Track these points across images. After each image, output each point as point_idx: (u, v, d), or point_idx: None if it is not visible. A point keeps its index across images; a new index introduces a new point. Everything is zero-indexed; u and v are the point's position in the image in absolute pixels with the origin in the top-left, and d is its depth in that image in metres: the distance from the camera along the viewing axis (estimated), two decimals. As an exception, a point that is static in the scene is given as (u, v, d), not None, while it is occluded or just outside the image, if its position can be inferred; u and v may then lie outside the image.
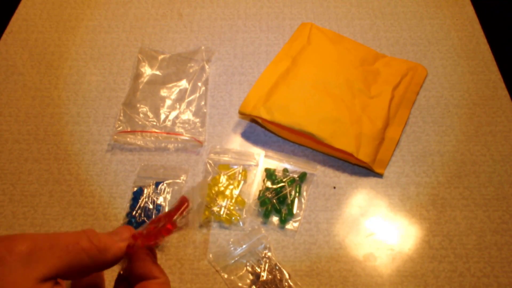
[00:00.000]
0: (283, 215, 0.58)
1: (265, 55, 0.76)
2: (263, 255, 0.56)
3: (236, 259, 0.55)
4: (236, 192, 0.60)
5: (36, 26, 0.81)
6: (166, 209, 0.60)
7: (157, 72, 0.73)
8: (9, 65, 0.76)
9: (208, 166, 0.63)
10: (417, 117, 0.68)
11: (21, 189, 0.62)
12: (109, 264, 0.31)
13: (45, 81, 0.74)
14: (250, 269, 0.55)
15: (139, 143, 0.65)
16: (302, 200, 0.60)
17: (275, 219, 0.59)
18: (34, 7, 0.84)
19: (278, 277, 0.54)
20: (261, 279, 0.54)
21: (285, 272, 0.54)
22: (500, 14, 0.93)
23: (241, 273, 0.55)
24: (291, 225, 0.58)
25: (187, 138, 0.65)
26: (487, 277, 0.55)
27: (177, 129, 0.66)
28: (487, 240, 0.57)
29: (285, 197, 0.60)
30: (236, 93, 0.72)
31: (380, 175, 0.63)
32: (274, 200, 0.59)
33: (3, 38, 0.79)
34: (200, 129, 0.66)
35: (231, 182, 0.61)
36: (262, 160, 0.64)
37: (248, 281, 0.54)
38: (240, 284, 0.54)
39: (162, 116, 0.67)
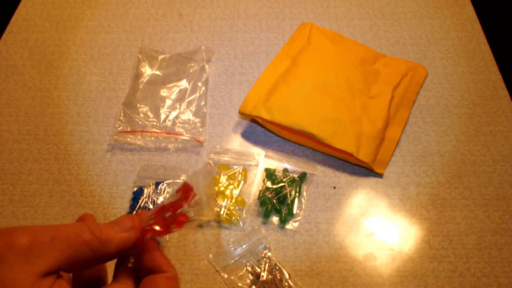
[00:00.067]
0: (283, 215, 0.58)
1: (265, 55, 0.76)
2: (263, 255, 0.56)
3: (236, 259, 0.55)
4: (236, 192, 0.60)
5: (36, 26, 0.81)
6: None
7: (157, 72, 0.73)
8: (9, 65, 0.76)
9: (208, 166, 0.63)
10: (417, 117, 0.68)
11: (21, 189, 0.62)
12: (112, 256, 0.31)
13: (45, 81, 0.74)
14: (250, 269, 0.55)
15: (139, 143, 0.65)
16: (302, 200, 0.60)
17: (275, 219, 0.59)
18: (34, 7, 0.84)
19: (278, 277, 0.54)
20: (261, 279, 0.54)
21: (285, 272, 0.54)
22: (500, 14, 0.93)
23: (241, 273, 0.55)
24: (291, 225, 0.58)
25: (187, 138, 0.65)
26: (487, 277, 0.55)
27: (177, 129, 0.66)
28: (487, 240, 0.57)
29: (285, 197, 0.60)
30: (236, 93, 0.72)
31: (380, 175, 0.63)
32: (274, 200, 0.59)
33: (3, 38, 0.79)
34: (200, 129, 0.66)
35: (231, 182, 0.61)
36: (262, 160, 0.64)
37: (248, 281, 0.54)
38: (240, 284, 0.54)
39: (162, 116, 0.67)
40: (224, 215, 0.58)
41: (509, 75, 0.73)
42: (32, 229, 0.27)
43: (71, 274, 0.34)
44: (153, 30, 0.80)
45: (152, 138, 0.65)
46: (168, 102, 0.69)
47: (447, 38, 0.78)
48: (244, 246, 0.56)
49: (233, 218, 0.58)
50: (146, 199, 0.60)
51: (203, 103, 0.70)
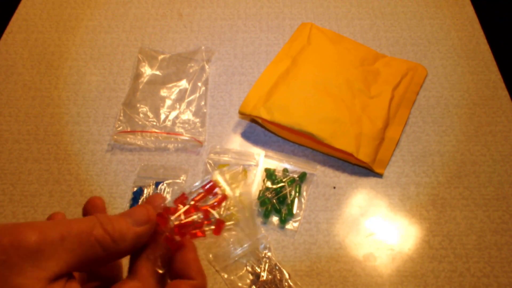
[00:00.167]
0: (283, 215, 0.58)
1: (265, 55, 0.76)
2: (263, 255, 0.56)
3: (236, 259, 0.55)
4: (237, 192, 0.60)
5: (36, 26, 0.81)
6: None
7: (157, 72, 0.73)
8: (9, 65, 0.76)
9: (208, 166, 0.63)
10: (417, 117, 0.68)
11: (21, 189, 0.62)
12: (125, 254, 0.28)
13: (45, 81, 0.74)
14: (250, 269, 0.55)
15: (139, 143, 0.65)
16: (302, 200, 0.60)
17: (275, 219, 0.59)
18: (34, 7, 0.84)
19: (278, 277, 0.54)
20: (261, 279, 0.54)
21: (285, 272, 0.54)
22: (500, 14, 0.93)
23: (241, 273, 0.55)
24: (291, 225, 0.58)
25: (187, 138, 0.65)
26: (487, 277, 0.55)
27: (177, 129, 0.66)
28: (487, 240, 0.57)
29: (285, 197, 0.60)
30: (236, 93, 0.72)
31: (380, 175, 0.63)
32: (274, 200, 0.59)
33: (3, 38, 0.79)
34: (200, 129, 0.66)
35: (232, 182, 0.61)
36: (262, 160, 0.64)
37: (248, 281, 0.54)
38: (240, 284, 0.54)
39: (162, 116, 0.67)
40: (224, 215, 0.58)
41: (509, 75, 0.73)
42: (40, 226, 0.24)
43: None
44: (153, 30, 0.80)
45: (152, 138, 0.65)
46: (168, 102, 0.69)
47: (447, 38, 0.78)
48: (244, 246, 0.56)
49: (233, 218, 0.58)
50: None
51: (203, 103, 0.70)
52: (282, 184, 0.60)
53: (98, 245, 0.26)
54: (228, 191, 0.32)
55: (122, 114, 0.67)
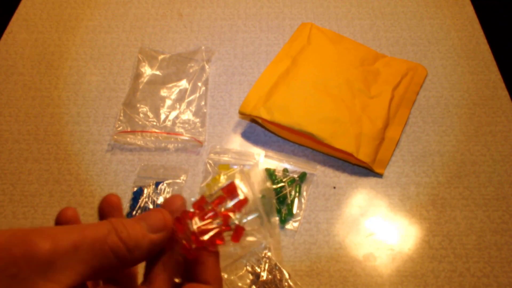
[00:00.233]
0: (283, 215, 0.58)
1: (265, 55, 0.76)
2: (263, 255, 0.56)
3: (236, 259, 0.55)
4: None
5: (36, 26, 0.81)
6: None
7: (157, 72, 0.73)
8: (9, 65, 0.76)
9: (208, 166, 0.63)
10: (417, 117, 0.68)
11: (21, 189, 0.62)
12: (138, 262, 0.26)
13: (45, 81, 0.74)
14: (250, 269, 0.55)
15: (139, 143, 0.65)
16: (302, 200, 0.60)
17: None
18: (34, 7, 0.84)
19: (278, 277, 0.54)
20: (261, 279, 0.54)
21: (285, 272, 0.54)
22: (500, 14, 0.93)
23: (241, 273, 0.55)
24: (291, 225, 0.58)
25: (187, 138, 0.65)
26: (487, 277, 0.55)
27: (177, 129, 0.66)
28: (487, 240, 0.57)
29: (285, 197, 0.60)
30: (236, 93, 0.72)
31: (380, 175, 0.63)
32: (274, 200, 0.59)
33: (3, 38, 0.79)
34: (200, 129, 0.66)
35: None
36: (262, 160, 0.64)
37: (248, 281, 0.54)
38: (240, 284, 0.54)
39: (162, 116, 0.67)
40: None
41: (509, 75, 0.73)
42: (52, 234, 0.23)
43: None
44: (153, 30, 0.80)
45: (152, 138, 0.65)
46: (168, 102, 0.69)
47: (447, 38, 0.78)
48: (244, 246, 0.56)
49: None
50: (146, 199, 0.60)
51: (203, 103, 0.70)
52: (282, 184, 0.60)
53: (112, 254, 0.24)
54: (249, 193, 0.30)
55: (122, 114, 0.67)
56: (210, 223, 0.28)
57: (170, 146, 0.65)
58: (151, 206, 0.59)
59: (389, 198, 0.61)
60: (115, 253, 0.24)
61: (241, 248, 0.29)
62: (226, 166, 0.63)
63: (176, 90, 0.71)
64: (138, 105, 0.68)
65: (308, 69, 0.68)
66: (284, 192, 0.60)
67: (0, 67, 0.75)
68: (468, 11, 0.82)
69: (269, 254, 0.56)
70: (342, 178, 0.63)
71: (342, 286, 0.54)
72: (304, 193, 0.61)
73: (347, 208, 0.60)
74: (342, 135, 0.61)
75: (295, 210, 0.59)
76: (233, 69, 0.75)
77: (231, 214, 0.29)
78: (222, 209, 0.29)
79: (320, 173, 0.63)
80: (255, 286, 0.53)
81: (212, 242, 0.28)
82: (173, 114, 0.68)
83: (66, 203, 0.61)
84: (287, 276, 0.54)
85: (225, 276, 0.54)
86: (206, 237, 0.28)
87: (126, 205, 0.60)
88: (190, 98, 0.70)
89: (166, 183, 0.62)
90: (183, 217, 0.28)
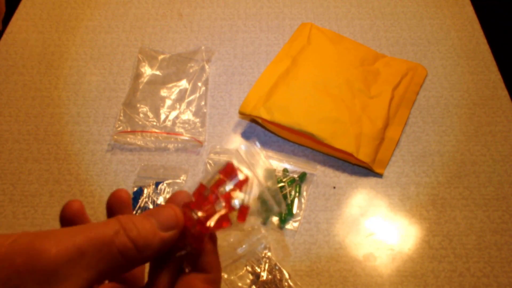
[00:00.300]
0: (283, 215, 0.58)
1: (265, 55, 0.76)
2: (263, 255, 0.56)
3: (236, 259, 0.55)
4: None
5: (36, 26, 0.81)
6: None
7: (157, 72, 0.73)
8: (9, 65, 0.76)
9: (208, 166, 0.63)
10: (417, 117, 0.68)
11: (21, 189, 0.62)
12: (147, 261, 0.25)
13: (45, 81, 0.74)
14: (250, 269, 0.55)
15: (139, 143, 0.65)
16: (302, 200, 0.60)
17: (275, 219, 0.59)
18: (34, 7, 0.84)
19: (278, 277, 0.54)
20: (261, 279, 0.54)
21: (285, 272, 0.54)
22: (500, 14, 0.93)
23: (241, 273, 0.55)
24: (291, 225, 0.58)
25: (187, 138, 0.65)
26: (487, 277, 0.55)
27: (177, 129, 0.66)
28: (487, 240, 0.57)
29: (285, 197, 0.60)
30: (236, 93, 0.72)
31: (380, 175, 0.63)
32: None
33: (3, 38, 0.79)
34: (200, 129, 0.66)
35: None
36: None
37: (248, 281, 0.54)
38: (240, 284, 0.54)
39: (162, 116, 0.67)
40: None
41: (509, 75, 0.73)
42: (56, 240, 0.21)
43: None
44: (153, 30, 0.80)
45: (152, 138, 0.65)
46: (168, 102, 0.69)
47: (447, 38, 0.78)
48: (244, 246, 0.56)
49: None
50: (146, 199, 0.60)
51: (203, 103, 0.70)
52: (282, 184, 0.60)
53: (121, 256, 0.23)
54: (248, 172, 0.28)
55: (122, 114, 0.67)
56: (213, 207, 0.27)
57: (170, 146, 0.65)
58: (151, 206, 0.59)
59: (389, 198, 0.61)
60: (123, 254, 0.23)
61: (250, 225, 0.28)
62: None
63: (176, 90, 0.71)
64: (138, 105, 0.68)
65: (308, 69, 0.68)
66: (284, 192, 0.60)
67: (0, 67, 0.75)
68: (468, 11, 0.82)
69: (269, 254, 0.56)
70: (342, 178, 0.63)
71: (342, 286, 0.54)
72: (304, 193, 0.61)
73: (347, 208, 0.60)
74: (342, 135, 0.61)
75: (295, 210, 0.59)
76: (233, 69, 0.75)
77: (233, 195, 0.28)
78: (224, 192, 0.28)
79: (320, 173, 0.63)
80: (255, 286, 0.53)
81: (219, 226, 0.27)
82: (173, 114, 0.68)
83: (66, 203, 0.61)
84: (287, 276, 0.54)
85: (225, 276, 0.54)
86: (212, 222, 0.27)
87: (126, 205, 0.60)
88: (190, 98, 0.70)
89: (166, 183, 0.62)
90: (185, 208, 0.27)
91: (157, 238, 0.24)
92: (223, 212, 0.27)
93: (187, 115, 0.68)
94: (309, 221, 0.59)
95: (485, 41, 0.77)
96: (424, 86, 0.72)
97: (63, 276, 0.21)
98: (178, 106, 0.69)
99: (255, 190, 0.28)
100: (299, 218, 0.59)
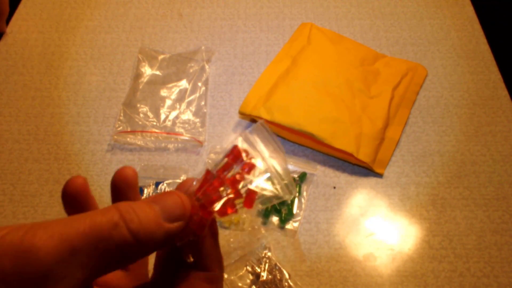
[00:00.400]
0: (283, 215, 0.58)
1: (265, 55, 0.76)
2: (263, 255, 0.56)
3: (236, 259, 0.55)
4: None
5: (36, 26, 0.81)
6: None
7: (157, 72, 0.73)
8: (9, 65, 0.76)
9: (208, 166, 0.63)
10: (417, 117, 0.68)
11: (21, 189, 0.62)
12: (149, 254, 0.22)
13: (45, 81, 0.74)
14: (250, 269, 0.55)
15: (139, 143, 0.65)
16: (302, 200, 0.60)
17: (275, 219, 0.59)
18: (34, 7, 0.84)
19: (278, 277, 0.54)
20: (261, 279, 0.54)
21: (285, 272, 0.54)
22: (500, 14, 0.93)
23: (241, 273, 0.55)
24: (291, 225, 0.58)
25: (187, 138, 0.65)
26: (487, 277, 0.55)
27: (177, 129, 0.66)
28: (487, 240, 0.57)
29: (285, 197, 0.59)
30: (236, 93, 0.72)
31: (380, 175, 0.63)
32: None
33: (3, 38, 0.79)
34: (200, 129, 0.66)
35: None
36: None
37: (248, 281, 0.54)
38: (240, 284, 0.54)
39: (162, 116, 0.67)
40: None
41: (509, 75, 0.73)
42: (48, 235, 0.19)
43: None
44: (153, 30, 0.80)
45: (152, 138, 0.65)
46: (168, 102, 0.69)
47: (447, 38, 0.78)
48: (244, 246, 0.56)
49: (233, 218, 0.58)
50: (146, 199, 0.60)
51: (203, 103, 0.70)
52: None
53: (119, 252, 0.20)
54: (255, 155, 0.26)
55: (122, 114, 0.67)
56: (217, 191, 0.25)
57: (170, 146, 0.65)
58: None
59: (389, 198, 0.61)
60: (122, 249, 0.20)
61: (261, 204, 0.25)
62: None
63: (176, 90, 0.71)
64: (138, 105, 0.68)
65: (308, 69, 0.68)
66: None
67: (0, 67, 0.75)
68: (468, 11, 0.82)
69: (269, 254, 0.56)
70: (342, 178, 0.63)
71: (342, 286, 0.54)
72: (304, 193, 0.61)
73: (347, 208, 0.60)
74: (342, 135, 0.61)
75: (295, 210, 0.59)
76: (233, 69, 0.75)
77: (239, 179, 0.25)
78: (230, 176, 0.25)
79: (320, 173, 0.63)
80: (255, 286, 0.53)
81: (223, 212, 0.25)
82: (173, 114, 0.68)
83: (66, 203, 0.61)
84: (287, 276, 0.54)
85: (225, 276, 0.54)
86: (217, 207, 0.25)
87: (126, 205, 0.60)
88: (190, 98, 0.70)
89: (166, 183, 0.62)
90: (191, 196, 0.25)
91: (161, 231, 0.21)
92: (229, 197, 0.25)
93: (187, 115, 0.68)
94: (309, 221, 0.59)
95: (485, 41, 0.77)
96: (424, 86, 0.72)
97: (55, 278, 0.18)
98: (178, 106, 0.69)
99: (264, 175, 0.26)
100: (299, 218, 0.59)
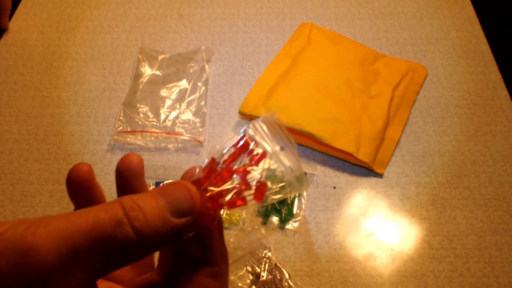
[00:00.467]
0: (283, 215, 0.58)
1: (265, 55, 0.76)
2: (263, 255, 0.56)
3: (236, 259, 0.55)
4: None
5: (36, 26, 0.81)
6: None
7: (157, 72, 0.73)
8: (9, 65, 0.76)
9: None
10: (417, 117, 0.68)
11: (21, 189, 0.62)
12: (154, 251, 0.21)
13: (45, 81, 0.74)
14: (250, 269, 0.55)
15: (139, 143, 0.65)
16: (302, 200, 0.60)
17: (275, 219, 0.59)
18: (34, 7, 0.84)
19: (278, 277, 0.54)
20: (261, 279, 0.54)
21: (285, 272, 0.54)
22: (500, 14, 0.93)
23: (241, 273, 0.55)
24: (291, 225, 0.58)
25: (187, 138, 0.65)
26: (487, 277, 0.55)
27: (177, 129, 0.66)
28: (487, 240, 0.57)
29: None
30: (236, 93, 0.72)
31: (380, 175, 0.63)
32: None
33: (3, 38, 0.79)
34: (200, 129, 0.66)
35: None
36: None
37: (248, 281, 0.54)
38: (240, 284, 0.54)
39: (162, 116, 0.67)
40: (224, 215, 0.58)
41: (509, 75, 0.73)
42: (48, 234, 0.18)
43: None
44: (153, 30, 0.80)
45: (152, 138, 0.65)
46: (168, 102, 0.69)
47: (447, 38, 0.78)
48: (244, 246, 0.56)
49: (233, 218, 0.58)
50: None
51: (203, 103, 0.70)
52: (282, 184, 0.60)
53: (122, 251, 0.19)
54: (266, 146, 0.24)
55: (122, 114, 0.67)
56: (226, 183, 0.24)
57: (170, 146, 0.65)
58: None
59: (389, 198, 0.61)
60: (126, 249, 0.19)
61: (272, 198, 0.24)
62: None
63: (176, 90, 0.71)
64: (138, 105, 0.68)
65: (308, 69, 0.68)
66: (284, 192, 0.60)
67: (0, 67, 0.75)
68: (468, 11, 0.82)
69: (269, 254, 0.56)
70: (342, 178, 0.63)
71: (342, 286, 0.54)
72: (304, 193, 0.61)
73: (347, 208, 0.60)
74: (342, 135, 0.61)
75: (295, 210, 0.59)
76: (233, 69, 0.75)
77: (249, 170, 0.24)
78: (238, 167, 0.24)
79: (320, 173, 0.63)
80: (255, 286, 0.53)
81: (232, 204, 0.23)
82: (173, 114, 0.68)
83: (66, 203, 0.61)
84: (287, 276, 0.54)
85: (225, 276, 0.54)
86: (227, 198, 0.23)
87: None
88: (190, 98, 0.70)
89: (166, 183, 0.62)
90: (195, 183, 0.24)
91: (167, 227, 0.20)
92: (238, 188, 0.24)
93: (187, 115, 0.68)
94: (309, 221, 0.59)
95: (485, 41, 0.77)
96: (424, 86, 0.72)
97: (56, 281, 0.17)
98: (178, 106, 0.69)
99: (273, 166, 0.24)
100: (299, 218, 0.59)
